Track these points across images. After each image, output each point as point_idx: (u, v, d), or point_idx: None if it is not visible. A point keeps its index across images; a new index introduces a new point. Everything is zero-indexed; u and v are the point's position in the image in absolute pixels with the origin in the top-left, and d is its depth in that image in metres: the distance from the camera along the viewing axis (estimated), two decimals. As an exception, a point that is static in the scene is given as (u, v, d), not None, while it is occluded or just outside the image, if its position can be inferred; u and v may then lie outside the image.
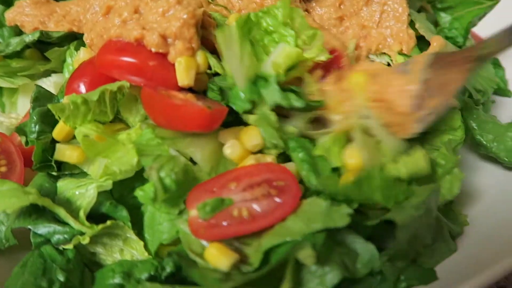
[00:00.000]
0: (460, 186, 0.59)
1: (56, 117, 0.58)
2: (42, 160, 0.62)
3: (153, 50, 0.58)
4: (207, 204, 0.50)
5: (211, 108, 0.54)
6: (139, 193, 0.53)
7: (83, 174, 0.61)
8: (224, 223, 0.50)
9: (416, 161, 0.59)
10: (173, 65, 0.59)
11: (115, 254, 0.58)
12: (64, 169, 0.63)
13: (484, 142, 0.65)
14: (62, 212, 0.56)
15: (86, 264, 0.57)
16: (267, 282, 0.50)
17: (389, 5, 0.74)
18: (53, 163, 0.62)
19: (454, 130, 0.63)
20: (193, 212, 0.51)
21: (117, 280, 0.52)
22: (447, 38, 0.79)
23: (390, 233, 0.51)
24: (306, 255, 0.46)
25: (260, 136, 0.57)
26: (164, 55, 0.59)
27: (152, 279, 0.51)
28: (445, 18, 0.81)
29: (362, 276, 0.51)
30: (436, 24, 0.83)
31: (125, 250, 0.58)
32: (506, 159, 0.63)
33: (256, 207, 0.51)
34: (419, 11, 0.83)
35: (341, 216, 0.50)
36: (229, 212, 0.51)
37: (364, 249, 0.52)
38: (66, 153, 0.61)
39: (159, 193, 0.52)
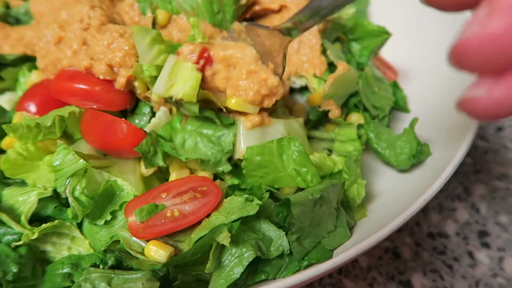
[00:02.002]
0: (365, 190, 0.73)
1: (9, 136, 0.66)
2: None
3: (100, 77, 0.68)
4: (143, 209, 0.60)
5: (141, 132, 0.65)
6: (68, 211, 0.63)
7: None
8: (159, 222, 0.60)
9: (321, 160, 0.73)
10: (117, 89, 0.69)
11: (63, 251, 0.66)
12: (7, 177, 0.70)
13: (379, 150, 0.80)
14: (4, 217, 0.63)
15: (37, 260, 0.64)
16: (196, 267, 0.61)
17: (305, 36, 0.88)
18: None
19: (352, 141, 0.78)
20: (132, 218, 0.61)
21: (66, 270, 0.60)
22: (358, 63, 0.94)
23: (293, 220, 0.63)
24: (223, 237, 0.57)
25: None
26: (110, 82, 0.69)
27: (95, 267, 0.59)
28: (355, 47, 0.97)
29: (274, 257, 0.62)
30: (349, 51, 0.98)
31: (73, 248, 0.66)
32: (395, 163, 0.78)
33: (185, 207, 0.62)
34: (336, 40, 0.98)
35: (253, 206, 0.62)
36: (163, 214, 0.61)
37: (275, 235, 0.63)
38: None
39: (78, 211, 0.62)
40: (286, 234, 0.63)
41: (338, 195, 0.67)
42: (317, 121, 0.86)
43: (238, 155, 0.69)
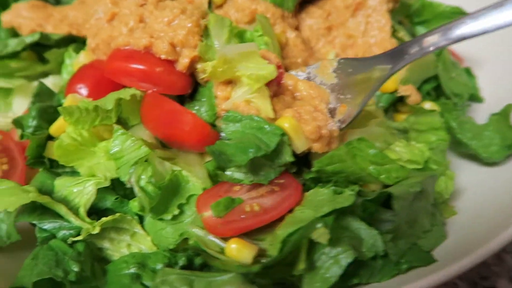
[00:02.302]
0: (453, 184, 0.65)
1: (64, 119, 0.58)
2: (36, 156, 0.62)
3: (162, 57, 0.60)
4: (220, 203, 0.52)
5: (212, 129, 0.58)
6: (133, 204, 0.56)
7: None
8: (239, 218, 0.52)
9: (411, 151, 0.65)
10: (178, 71, 0.62)
11: (122, 249, 0.58)
12: (56, 166, 0.63)
13: (464, 140, 0.72)
14: (62, 209, 0.56)
15: (94, 259, 0.57)
16: (280, 269, 0.53)
17: (373, 16, 0.80)
18: (45, 160, 0.62)
19: (435, 130, 0.70)
20: (207, 213, 0.53)
21: (133, 270, 0.52)
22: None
23: (391, 218, 0.55)
24: (320, 233, 0.50)
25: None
26: (170, 62, 0.61)
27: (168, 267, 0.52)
28: (422, 30, 0.89)
29: (367, 259, 0.54)
30: (413, 36, 0.90)
31: (133, 245, 0.58)
32: (484, 155, 0.70)
33: (265, 201, 0.54)
34: (398, 24, 0.91)
35: (346, 197, 0.54)
36: (241, 209, 0.53)
37: (368, 234, 0.55)
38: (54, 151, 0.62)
39: (146, 203, 0.54)
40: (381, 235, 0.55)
41: (433, 188, 0.59)
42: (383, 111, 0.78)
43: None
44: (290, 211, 0.55)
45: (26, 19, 0.77)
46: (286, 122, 0.57)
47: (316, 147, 0.58)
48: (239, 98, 0.58)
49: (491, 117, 0.72)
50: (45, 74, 0.76)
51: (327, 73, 0.64)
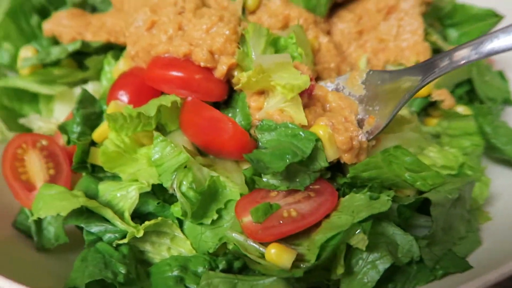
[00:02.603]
0: (489, 190, 0.65)
1: (109, 126, 0.61)
2: (80, 161, 0.65)
3: (201, 64, 0.62)
4: (259, 208, 0.54)
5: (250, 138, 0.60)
6: (174, 209, 0.59)
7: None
8: (278, 223, 0.54)
9: (445, 156, 0.65)
10: (216, 78, 0.64)
11: (163, 252, 0.61)
12: (98, 171, 0.66)
13: (499, 145, 0.71)
14: (109, 214, 0.58)
15: (137, 261, 0.59)
16: (318, 273, 0.54)
17: (405, 20, 0.80)
18: (88, 165, 0.65)
19: (469, 135, 0.70)
20: (246, 219, 0.55)
21: (176, 273, 0.55)
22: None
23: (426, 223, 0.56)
24: (358, 239, 0.51)
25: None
26: (209, 69, 0.63)
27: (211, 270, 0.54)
28: (453, 33, 0.89)
29: (402, 264, 0.55)
30: (445, 39, 0.89)
31: (173, 248, 0.61)
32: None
33: (302, 207, 0.56)
34: (429, 27, 0.90)
35: (382, 203, 0.55)
36: (279, 214, 0.55)
37: (403, 239, 0.56)
38: (98, 157, 0.65)
39: (187, 208, 0.56)
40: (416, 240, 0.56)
41: (470, 194, 0.60)
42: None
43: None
44: (327, 216, 0.57)
45: (66, 28, 0.80)
46: (320, 130, 0.58)
47: (346, 158, 0.59)
48: (272, 107, 0.60)
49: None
50: (85, 81, 0.79)
51: (356, 84, 0.65)
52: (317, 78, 0.75)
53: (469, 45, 0.55)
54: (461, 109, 0.78)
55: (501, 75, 0.86)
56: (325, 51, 0.76)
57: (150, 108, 0.60)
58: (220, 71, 0.64)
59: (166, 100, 0.61)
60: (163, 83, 0.64)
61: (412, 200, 0.56)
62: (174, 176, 0.57)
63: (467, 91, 0.77)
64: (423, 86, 0.59)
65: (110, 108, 0.64)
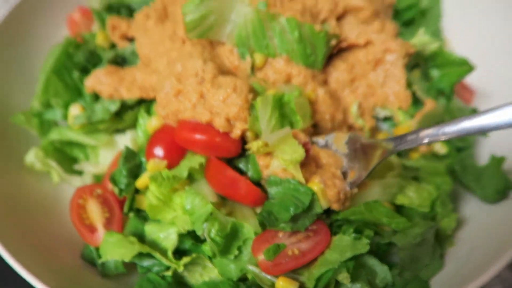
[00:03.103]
0: (456, 223, 0.81)
1: (151, 184, 0.78)
2: (130, 207, 0.84)
3: (220, 130, 0.78)
4: (270, 249, 0.71)
5: (262, 192, 0.77)
6: (205, 248, 0.76)
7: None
8: (285, 261, 0.71)
9: (421, 195, 0.82)
10: (233, 139, 0.79)
11: (196, 277, 0.79)
12: (143, 213, 0.84)
13: (466, 182, 0.87)
14: (157, 254, 0.76)
15: (178, 285, 0.78)
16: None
17: (390, 70, 0.94)
18: (134, 209, 0.83)
19: (440, 175, 0.85)
20: (260, 257, 0.72)
21: (209, 295, 0.74)
22: (437, 89, 0.99)
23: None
24: (343, 277, 0.68)
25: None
26: (226, 133, 0.79)
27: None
28: (435, 72, 1.02)
29: (379, 289, 0.73)
30: (427, 78, 1.03)
31: (204, 274, 0.79)
32: (481, 196, 0.85)
33: (303, 246, 0.73)
34: (415, 66, 1.03)
35: (363, 245, 0.72)
36: (285, 253, 0.72)
37: (380, 269, 0.74)
38: (143, 204, 0.83)
39: (214, 249, 0.74)
40: (390, 269, 0.73)
41: (433, 234, 0.76)
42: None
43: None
44: (322, 253, 0.74)
45: (105, 85, 0.95)
46: (315, 186, 0.75)
47: (335, 206, 0.76)
48: (277, 167, 0.76)
49: (491, 158, 0.87)
50: (123, 130, 0.96)
51: (341, 143, 0.81)
52: (314, 125, 0.90)
53: (436, 127, 0.69)
54: (439, 146, 0.93)
55: (474, 111, 1.00)
56: (322, 102, 0.90)
57: (182, 170, 0.77)
58: (235, 134, 0.80)
59: (195, 162, 0.78)
60: (190, 144, 0.81)
61: (387, 241, 0.73)
62: (205, 226, 0.74)
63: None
64: (394, 153, 0.74)
65: (150, 167, 0.81)
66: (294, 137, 0.75)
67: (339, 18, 0.95)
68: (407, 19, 1.12)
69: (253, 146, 0.75)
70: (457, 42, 1.16)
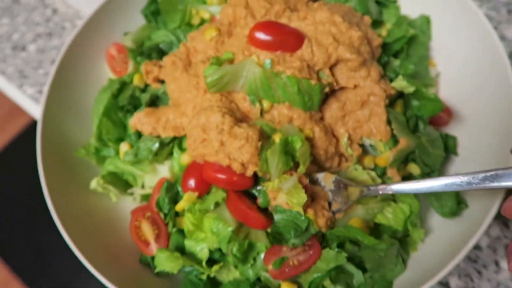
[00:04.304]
0: (423, 236, 1.06)
1: (186, 214, 1.06)
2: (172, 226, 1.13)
3: (237, 172, 1.03)
4: (276, 261, 0.99)
5: (267, 220, 1.02)
6: (229, 258, 1.03)
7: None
8: (287, 270, 0.99)
9: (396, 216, 1.07)
10: (247, 177, 1.04)
11: (224, 276, 1.09)
12: (182, 231, 1.13)
13: (429, 202, 1.10)
14: (195, 266, 1.06)
15: (212, 284, 1.09)
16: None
17: (374, 110, 1.14)
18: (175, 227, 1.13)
19: (411, 198, 1.08)
20: (270, 267, 1.00)
21: (235, 289, 1.04)
22: (417, 117, 1.19)
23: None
24: (327, 283, 0.96)
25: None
26: (242, 173, 1.04)
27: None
28: (415, 103, 1.20)
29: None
30: (409, 105, 1.22)
31: (229, 274, 1.09)
32: (440, 214, 1.08)
33: (300, 258, 1.01)
34: (399, 96, 1.22)
35: (342, 257, 0.99)
36: (287, 263, 1.00)
37: (356, 272, 1.01)
38: (182, 224, 1.12)
39: (235, 261, 1.02)
40: (363, 272, 1.01)
41: (398, 250, 1.02)
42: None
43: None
44: (314, 263, 1.02)
45: (145, 125, 1.20)
46: (310, 216, 1.00)
47: (323, 230, 1.02)
48: (283, 201, 1.01)
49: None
50: (162, 160, 1.22)
51: (328, 181, 1.05)
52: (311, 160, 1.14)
53: (400, 183, 0.94)
54: (413, 168, 1.15)
55: (447, 136, 1.20)
56: (318, 139, 1.13)
57: (209, 203, 1.04)
58: (249, 174, 1.05)
59: (218, 197, 1.04)
60: (214, 181, 1.06)
61: (359, 253, 0.99)
62: (229, 245, 1.02)
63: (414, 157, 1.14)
64: (367, 196, 0.99)
65: (186, 199, 1.08)
66: (299, 181, 1.00)
67: (332, 67, 1.14)
68: (395, 51, 1.29)
69: (268, 186, 1.01)
70: (442, 64, 1.33)
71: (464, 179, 0.87)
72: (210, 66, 1.07)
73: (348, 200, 1.03)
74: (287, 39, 1.10)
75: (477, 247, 1.22)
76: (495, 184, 0.83)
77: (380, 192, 1.00)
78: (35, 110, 1.65)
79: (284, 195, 1.00)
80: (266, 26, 1.10)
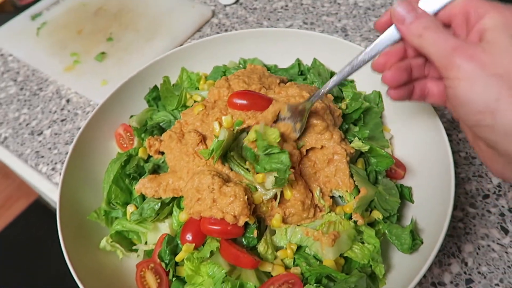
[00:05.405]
0: (383, 271, 1.25)
1: (186, 262, 1.24)
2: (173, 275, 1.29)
3: (230, 223, 1.24)
4: (264, 299, 1.16)
5: (256, 260, 1.21)
6: None
7: (201, 282, 1.28)
8: (275, 305, 1.16)
9: (363, 252, 1.26)
10: (239, 226, 1.25)
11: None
12: (182, 278, 1.30)
13: (391, 241, 1.30)
14: None
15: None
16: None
17: (339, 166, 1.39)
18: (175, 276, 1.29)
19: (373, 238, 1.29)
20: (260, 302, 1.17)
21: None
22: (376, 171, 1.44)
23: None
24: (308, 315, 1.13)
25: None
26: (235, 223, 1.25)
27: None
28: (373, 160, 1.46)
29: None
30: (368, 161, 1.47)
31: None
32: (400, 250, 1.27)
33: (284, 294, 1.18)
34: (360, 155, 1.48)
35: (319, 292, 1.17)
36: (275, 300, 1.17)
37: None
38: (181, 272, 1.29)
39: None
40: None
41: (365, 282, 1.20)
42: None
43: None
44: (297, 297, 1.18)
45: (148, 189, 1.42)
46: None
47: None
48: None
49: (408, 226, 1.30)
50: (163, 219, 1.42)
51: (284, 112, 1.37)
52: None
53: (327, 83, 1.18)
54: (375, 213, 1.37)
55: (402, 186, 1.44)
56: (293, 201, 1.35)
57: (206, 252, 1.23)
58: (240, 223, 1.25)
59: (213, 246, 1.23)
60: (209, 232, 1.26)
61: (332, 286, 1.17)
62: (222, 286, 1.19)
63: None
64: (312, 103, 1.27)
65: (184, 249, 1.26)
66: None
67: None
68: (354, 119, 1.58)
69: (260, 247, 1.22)
70: (394, 129, 1.62)
71: (360, 57, 0.99)
72: (204, 151, 1.33)
73: (303, 116, 1.33)
74: (257, 101, 1.41)
75: (442, 283, 1.39)
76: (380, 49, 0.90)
77: (321, 93, 1.28)
78: (46, 186, 1.86)
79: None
80: (241, 93, 1.45)
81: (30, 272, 3.43)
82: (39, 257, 3.42)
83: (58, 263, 1.54)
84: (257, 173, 1.31)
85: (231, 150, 1.37)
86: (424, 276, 1.42)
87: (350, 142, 1.47)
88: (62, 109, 2.05)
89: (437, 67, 0.72)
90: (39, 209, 3.80)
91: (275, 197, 1.31)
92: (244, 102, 1.42)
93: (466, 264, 1.43)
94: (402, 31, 0.76)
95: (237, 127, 1.38)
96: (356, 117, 1.58)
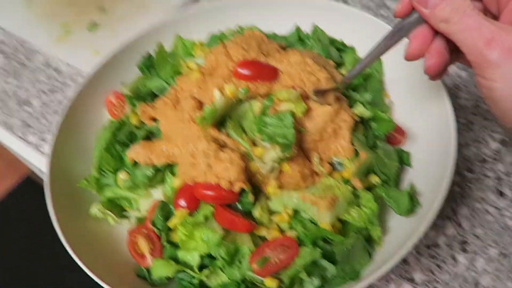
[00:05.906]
0: (380, 234, 1.23)
1: (179, 227, 1.21)
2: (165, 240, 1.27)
3: (225, 189, 1.21)
4: (260, 261, 1.13)
5: (251, 223, 1.19)
6: (218, 262, 1.18)
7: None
8: (269, 267, 1.13)
9: (360, 215, 1.23)
10: (234, 192, 1.21)
11: (213, 281, 1.21)
12: (175, 243, 1.27)
13: (389, 204, 1.27)
14: (188, 270, 1.19)
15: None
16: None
17: (342, 133, 1.35)
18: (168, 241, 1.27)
19: (371, 202, 1.26)
20: (254, 265, 1.14)
21: (222, 293, 1.16)
22: (375, 136, 1.41)
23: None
24: (303, 275, 1.10)
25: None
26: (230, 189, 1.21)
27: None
28: (374, 125, 1.43)
29: (329, 279, 1.15)
30: (368, 126, 1.44)
31: (218, 279, 1.21)
32: (398, 213, 1.24)
33: (281, 256, 1.15)
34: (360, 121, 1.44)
35: (317, 252, 1.14)
36: (270, 262, 1.14)
37: (329, 266, 1.15)
38: (174, 237, 1.26)
39: (224, 263, 1.17)
40: (335, 265, 1.15)
41: (362, 243, 1.18)
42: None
43: None
44: (293, 260, 1.16)
45: (140, 155, 1.37)
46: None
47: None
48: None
49: (409, 186, 1.28)
50: (155, 185, 1.39)
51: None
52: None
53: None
54: (373, 177, 1.34)
55: (401, 150, 1.41)
56: (292, 172, 1.31)
57: (200, 217, 1.20)
58: (236, 189, 1.21)
59: (207, 211, 1.20)
60: (203, 198, 1.22)
61: (330, 249, 1.15)
62: (217, 249, 1.17)
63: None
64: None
65: (177, 215, 1.23)
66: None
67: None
68: (355, 85, 1.53)
69: (256, 212, 1.19)
70: (394, 95, 1.58)
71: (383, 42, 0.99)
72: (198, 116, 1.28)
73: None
74: (264, 72, 1.35)
75: (436, 245, 1.38)
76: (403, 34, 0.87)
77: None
78: (35, 158, 1.81)
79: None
80: (247, 63, 1.37)
81: (22, 249, 3.41)
82: (31, 235, 3.39)
83: (51, 241, 1.49)
84: (255, 144, 1.28)
85: (231, 118, 1.33)
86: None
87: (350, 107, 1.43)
88: (52, 79, 1.99)
89: (469, 61, 0.59)
90: (30, 186, 3.75)
91: (271, 169, 1.28)
92: (250, 72, 1.36)
93: (461, 226, 1.41)
94: (425, 16, 0.66)
95: (239, 96, 1.32)
96: (356, 83, 1.54)
